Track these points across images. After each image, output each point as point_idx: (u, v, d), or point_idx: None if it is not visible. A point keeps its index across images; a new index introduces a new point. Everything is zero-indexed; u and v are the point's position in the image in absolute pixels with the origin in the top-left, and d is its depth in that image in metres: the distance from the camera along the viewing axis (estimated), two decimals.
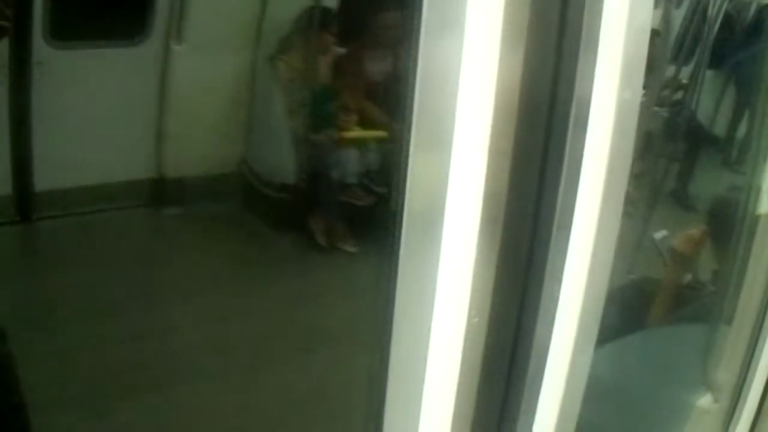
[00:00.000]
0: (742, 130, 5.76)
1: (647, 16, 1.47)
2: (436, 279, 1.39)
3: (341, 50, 6.43)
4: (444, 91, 1.30)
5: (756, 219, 2.80)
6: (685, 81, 5.85)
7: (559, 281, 1.53)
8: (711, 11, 5.69)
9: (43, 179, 5.60)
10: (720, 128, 6.55)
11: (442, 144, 1.32)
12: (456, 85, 1.29)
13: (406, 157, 1.36)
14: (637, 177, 5.12)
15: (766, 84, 2.96)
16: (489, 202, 1.36)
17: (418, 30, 1.30)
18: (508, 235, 1.43)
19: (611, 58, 1.42)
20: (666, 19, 5.38)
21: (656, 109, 4.99)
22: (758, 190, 2.71)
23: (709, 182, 5.76)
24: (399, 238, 1.41)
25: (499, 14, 1.28)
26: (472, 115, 1.30)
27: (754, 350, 2.83)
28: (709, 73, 6.16)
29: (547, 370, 1.60)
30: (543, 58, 1.38)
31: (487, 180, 1.34)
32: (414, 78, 1.32)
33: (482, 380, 1.52)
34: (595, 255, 1.52)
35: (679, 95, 5.84)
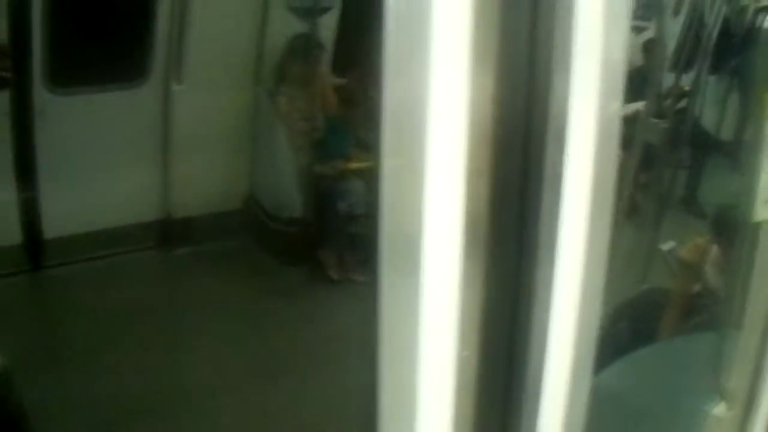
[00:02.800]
0: (747, 134, 5.74)
1: (623, 31, 1.44)
2: (420, 312, 1.36)
3: (341, 80, 6.43)
4: (414, 114, 1.28)
5: (758, 225, 2.77)
6: (687, 88, 5.82)
7: (550, 303, 1.49)
8: (709, 17, 5.67)
9: (52, 226, 5.61)
10: (726, 133, 6.53)
11: (416, 168, 1.29)
12: (426, 107, 1.27)
13: (381, 183, 1.33)
14: (644, 187, 5.10)
15: (759, 88, 2.93)
16: (470, 224, 1.33)
17: (384, 53, 1.28)
18: (492, 259, 1.40)
19: (587, 74, 1.39)
20: (663, 27, 5.37)
21: (657, 120, 4.96)
22: (755, 195, 2.68)
23: (717, 189, 5.74)
24: (379, 269, 1.37)
25: (467, 35, 1.26)
26: (446, 138, 1.28)
27: (764, 356, 2.80)
28: (712, 78, 6.14)
29: (543, 401, 1.56)
30: (515, 78, 1.36)
31: (465, 202, 1.32)
32: (383, 103, 1.30)
33: (477, 416, 1.49)
34: (585, 274, 1.49)
35: (683, 103, 5.81)
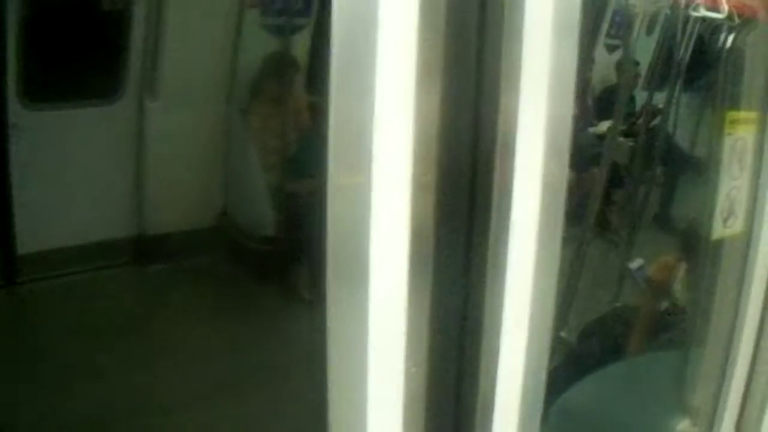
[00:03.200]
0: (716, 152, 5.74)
1: (572, 50, 1.45)
2: (367, 329, 1.35)
3: (315, 98, 6.42)
4: (360, 131, 1.28)
5: (720, 243, 2.79)
6: (660, 106, 5.84)
7: (500, 319, 1.49)
8: (681, 35, 5.69)
9: (26, 242, 5.58)
10: (699, 151, 6.55)
11: (361, 185, 1.29)
12: (372, 124, 1.27)
13: (326, 200, 1.33)
14: (616, 205, 5.12)
15: (720, 107, 2.96)
16: (416, 240, 1.33)
17: (330, 70, 1.28)
18: (440, 275, 1.40)
19: (536, 93, 1.40)
20: (631, 46, 5.40)
21: (626, 138, 4.99)
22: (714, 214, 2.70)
23: (688, 206, 5.76)
24: (324, 286, 1.37)
25: (412, 55, 1.26)
26: (391, 155, 1.28)
27: (725, 373, 2.82)
28: (685, 96, 6.16)
29: (495, 416, 1.56)
30: (462, 95, 1.36)
31: (412, 218, 1.32)
32: (329, 120, 1.30)
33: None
34: (535, 287, 1.49)
35: (656, 121, 5.84)
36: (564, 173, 1.47)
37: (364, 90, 1.27)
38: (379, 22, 1.25)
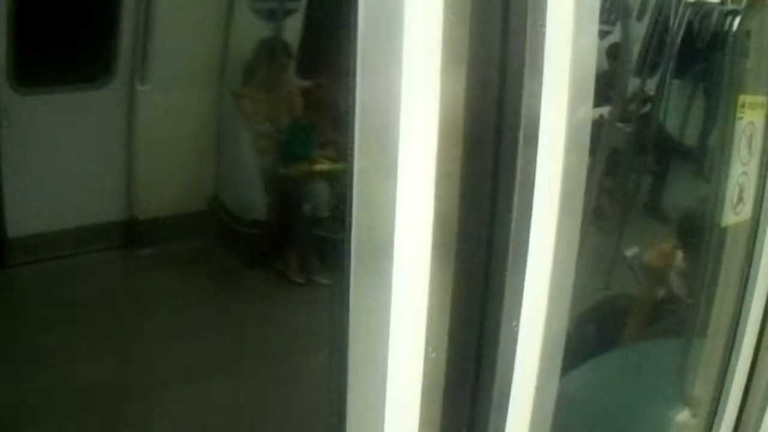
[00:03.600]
0: (713, 138, 5.74)
1: (593, 37, 1.45)
2: (389, 313, 1.35)
3: (306, 83, 6.41)
4: (385, 118, 1.28)
5: (724, 230, 2.78)
6: (652, 93, 5.83)
7: (519, 306, 1.49)
8: (674, 21, 5.69)
9: (16, 225, 5.57)
10: (691, 138, 6.55)
11: (386, 170, 1.29)
12: (397, 111, 1.27)
13: (351, 185, 1.33)
14: (608, 192, 5.11)
15: (727, 92, 2.95)
16: (440, 227, 1.33)
17: (354, 57, 1.28)
18: (462, 262, 1.40)
19: (558, 79, 1.40)
20: (628, 31, 5.39)
21: (622, 124, 4.98)
22: (723, 200, 2.69)
23: (682, 194, 5.76)
24: (348, 270, 1.37)
25: (438, 40, 1.26)
26: (416, 141, 1.28)
27: (728, 363, 2.81)
28: (677, 82, 6.16)
29: (511, 403, 1.57)
30: (486, 83, 1.36)
31: (436, 204, 1.32)
32: (354, 107, 1.29)
33: (445, 416, 1.49)
34: (554, 275, 1.49)
35: (647, 107, 5.83)
36: (584, 161, 1.47)
37: (389, 75, 1.27)
38: (405, 8, 1.25)
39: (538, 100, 1.39)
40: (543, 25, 1.38)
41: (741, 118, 2.69)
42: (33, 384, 4.29)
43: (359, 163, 1.32)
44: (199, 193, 6.23)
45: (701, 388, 2.91)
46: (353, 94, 1.29)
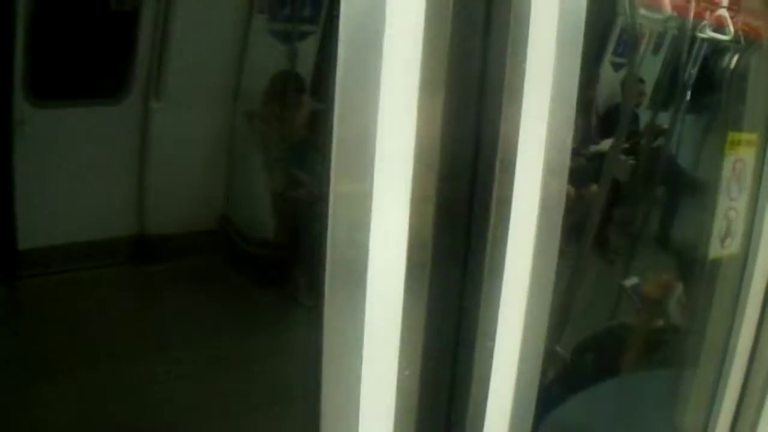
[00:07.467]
0: (709, 173, 5.73)
1: (575, 63, 1.46)
2: (363, 331, 1.37)
3: (320, 105, 6.40)
4: (362, 140, 1.29)
5: (716, 263, 2.79)
6: (665, 126, 5.83)
7: (494, 328, 1.51)
8: (689, 55, 5.69)
9: (26, 238, 5.58)
10: (702, 173, 6.53)
11: (363, 192, 1.31)
12: (374, 134, 1.28)
13: (326, 207, 1.34)
14: (617, 224, 5.11)
15: (722, 128, 2.96)
16: (414, 248, 1.35)
17: (335, 80, 1.29)
18: (436, 283, 1.41)
19: (538, 104, 1.41)
20: (635, 64, 5.40)
21: (627, 157, 4.99)
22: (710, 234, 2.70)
23: (687, 227, 5.76)
24: (323, 290, 1.38)
25: (416, 63, 1.28)
26: (392, 164, 1.30)
27: (717, 393, 2.82)
28: (690, 117, 6.15)
29: (486, 424, 1.58)
30: (465, 107, 1.38)
31: (411, 227, 1.33)
32: (332, 129, 1.31)
33: None
34: (530, 298, 1.51)
35: (659, 141, 5.82)
36: (563, 188, 1.48)
37: (367, 99, 1.28)
38: (384, 33, 1.27)
39: (517, 126, 1.40)
40: (524, 53, 1.39)
41: (730, 155, 2.70)
42: (37, 397, 4.29)
43: (335, 185, 1.33)
44: (209, 212, 6.24)
45: (692, 418, 2.91)
46: (331, 117, 1.31)
